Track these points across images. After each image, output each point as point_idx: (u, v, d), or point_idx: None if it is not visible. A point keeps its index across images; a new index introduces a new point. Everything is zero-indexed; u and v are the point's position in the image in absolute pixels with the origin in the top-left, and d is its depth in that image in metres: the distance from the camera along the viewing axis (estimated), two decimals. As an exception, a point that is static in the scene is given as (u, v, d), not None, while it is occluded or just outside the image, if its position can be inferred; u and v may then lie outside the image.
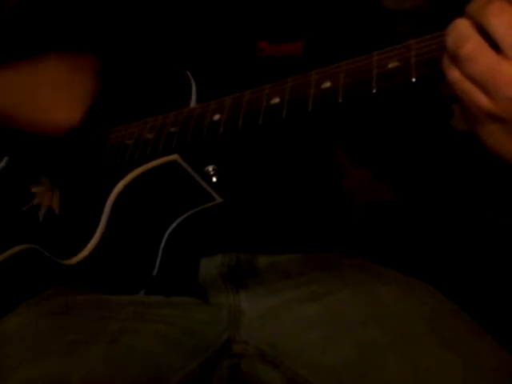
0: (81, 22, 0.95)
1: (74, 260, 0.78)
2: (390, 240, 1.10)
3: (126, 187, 0.78)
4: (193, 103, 0.80)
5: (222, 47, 0.89)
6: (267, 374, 0.80)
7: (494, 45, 0.49)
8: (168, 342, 0.81)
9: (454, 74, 0.52)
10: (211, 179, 0.77)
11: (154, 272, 0.81)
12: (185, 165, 0.76)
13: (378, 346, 0.74)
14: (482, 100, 0.51)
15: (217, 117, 0.73)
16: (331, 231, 0.93)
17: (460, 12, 0.52)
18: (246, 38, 0.88)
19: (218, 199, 0.80)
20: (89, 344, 0.77)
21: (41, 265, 0.87)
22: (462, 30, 0.50)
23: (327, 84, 0.64)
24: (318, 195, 0.94)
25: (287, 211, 0.90)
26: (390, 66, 0.60)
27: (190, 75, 0.82)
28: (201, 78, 0.82)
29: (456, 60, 0.51)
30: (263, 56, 0.87)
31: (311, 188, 0.91)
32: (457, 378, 0.69)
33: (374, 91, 0.60)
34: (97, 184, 0.82)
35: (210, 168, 0.77)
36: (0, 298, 0.90)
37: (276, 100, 0.68)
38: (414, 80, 0.57)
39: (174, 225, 0.83)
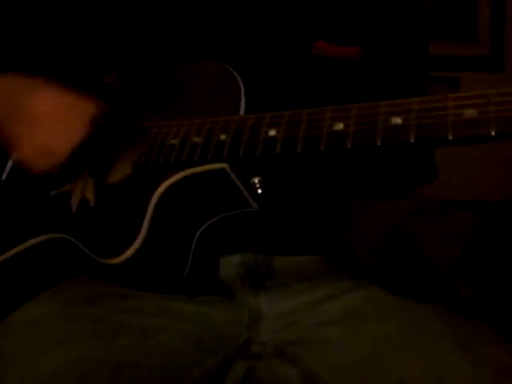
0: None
1: (118, 260, 0.77)
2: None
3: (169, 189, 0.78)
4: (242, 108, 0.79)
5: (276, 44, 0.89)
6: (284, 371, 0.82)
7: None
8: (191, 338, 0.83)
9: None
10: (256, 191, 0.77)
11: (185, 274, 0.82)
12: (232, 175, 0.76)
13: (392, 344, 0.77)
14: None
15: (273, 133, 0.72)
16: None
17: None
18: (304, 36, 0.88)
19: (255, 207, 0.80)
20: (117, 335, 0.78)
21: (68, 254, 0.86)
22: None
23: (398, 120, 0.64)
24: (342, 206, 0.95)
25: (308, 216, 0.91)
26: (467, 114, 0.60)
27: (237, 76, 0.81)
28: (249, 73, 0.81)
29: None
30: (317, 55, 0.87)
31: (342, 200, 0.93)
32: (468, 376, 0.71)
33: (451, 138, 0.60)
34: (138, 181, 0.81)
35: (256, 180, 0.77)
36: (22, 284, 0.89)
37: (340, 126, 0.68)
38: (493, 134, 0.58)
39: (204, 226, 0.83)
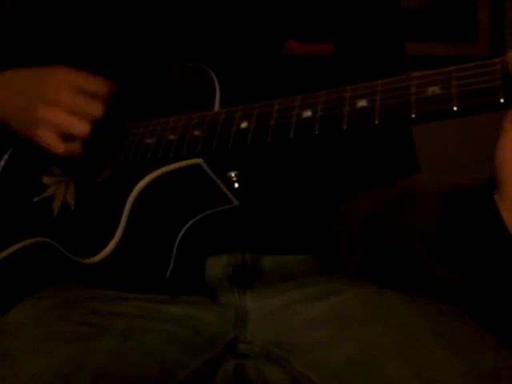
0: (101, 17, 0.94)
1: (95, 259, 0.77)
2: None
3: (147, 187, 0.78)
4: (217, 104, 0.79)
5: (249, 45, 0.89)
6: (272, 373, 0.82)
7: None
8: (175, 340, 0.82)
9: None
10: (233, 185, 0.77)
11: (168, 274, 0.81)
12: (208, 169, 0.76)
13: (380, 346, 0.76)
14: None
15: (244, 124, 0.73)
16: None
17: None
18: (275, 37, 0.88)
19: (236, 203, 0.80)
20: (99, 338, 0.78)
21: (51, 259, 0.86)
22: None
23: (363, 103, 0.64)
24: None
25: (295, 214, 0.91)
26: (430, 91, 0.60)
27: (213, 74, 0.81)
28: (225, 75, 0.81)
29: None
30: (289, 55, 0.87)
31: (325, 196, 0.92)
32: (457, 379, 0.70)
33: (414, 116, 0.60)
34: (115, 181, 0.82)
35: (233, 174, 0.77)
36: (7, 291, 0.90)
37: (308, 113, 0.68)
38: (455, 109, 0.58)
39: (187, 226, 0.83)
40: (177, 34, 0.91)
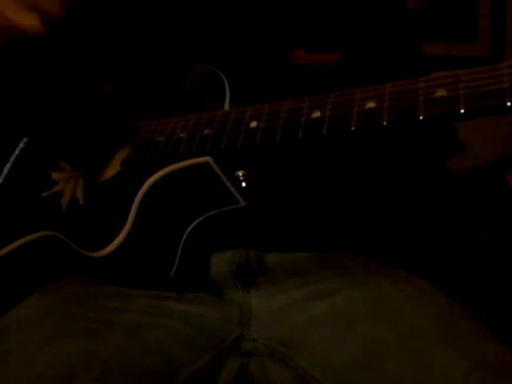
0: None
1: (102, 253, 0.78)
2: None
3: (155, 184, 0.79)
4: (226, 105, 0.81)
5: (257, 52, 0.90)
6: (276, 371, 0.82)
7: None
8: (181, 337, 0.83)
9: None
10: (241, 184, 0.78)
11: (172, 272, 0.82)
12: (216, 168, 0.77)
13: (384, 344, 0.77)
14: None
15: (254, 124, 0.74)
16: (341, 232, 0.96)
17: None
18: (283, 44, 0.89)
19: (242, 203, 0.81)
20: (106, 334, 0.78)
21: (57, 253, 0.87)
22: None
23: (371, 104, 0.65)
24: (337, 202, 0.96)
25: (300, 211, 0.92)
26: (438, 93, 0.61)
27: (223, 76, 0.83)
28: (234, 81, 0.83)
29: None
30: (298, 63, 0.88)
31: (333, 196, 0.93)
32: (460, 377, 0.71)
33: (421, 118, 0.61)
34: (125, 178, 0.83)
35: (240, 173, 0.77)
36: (12, 285, 0.91)
37: (317, 114, 0.69)
38: (462, 111, 0.59)
39: (192, 225, 0.83)
40: (189, 37, 0.92)
